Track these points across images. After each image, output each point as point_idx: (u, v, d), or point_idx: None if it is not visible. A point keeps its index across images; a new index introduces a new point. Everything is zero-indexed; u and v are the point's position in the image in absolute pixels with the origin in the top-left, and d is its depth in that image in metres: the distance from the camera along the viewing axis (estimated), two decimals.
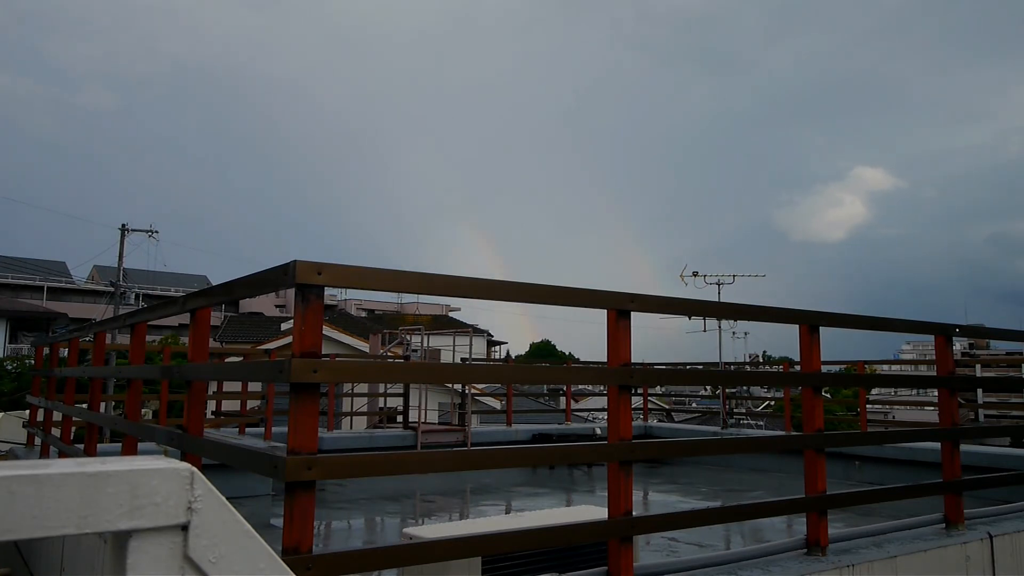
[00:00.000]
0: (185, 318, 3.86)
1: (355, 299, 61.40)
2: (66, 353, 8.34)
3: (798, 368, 4.46)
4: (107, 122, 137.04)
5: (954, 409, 5.03)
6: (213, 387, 12.39)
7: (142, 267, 38.91)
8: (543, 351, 69.44)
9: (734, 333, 20.01)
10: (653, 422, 15.30)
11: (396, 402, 14.37)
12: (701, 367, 15.24)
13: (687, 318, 16.25)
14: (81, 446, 7.54)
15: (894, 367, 34.24)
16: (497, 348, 50.74)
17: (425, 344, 16.29)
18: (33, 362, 16.86)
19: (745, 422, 17.17)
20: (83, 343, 8.30)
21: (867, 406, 13.45)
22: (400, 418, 13.61)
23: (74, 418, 7.51)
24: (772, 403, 19.71)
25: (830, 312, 4.40)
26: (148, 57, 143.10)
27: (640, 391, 15.46)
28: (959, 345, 52.93)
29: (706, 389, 32.39)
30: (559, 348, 70.85)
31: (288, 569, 1.60)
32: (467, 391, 14.03)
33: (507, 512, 9.34)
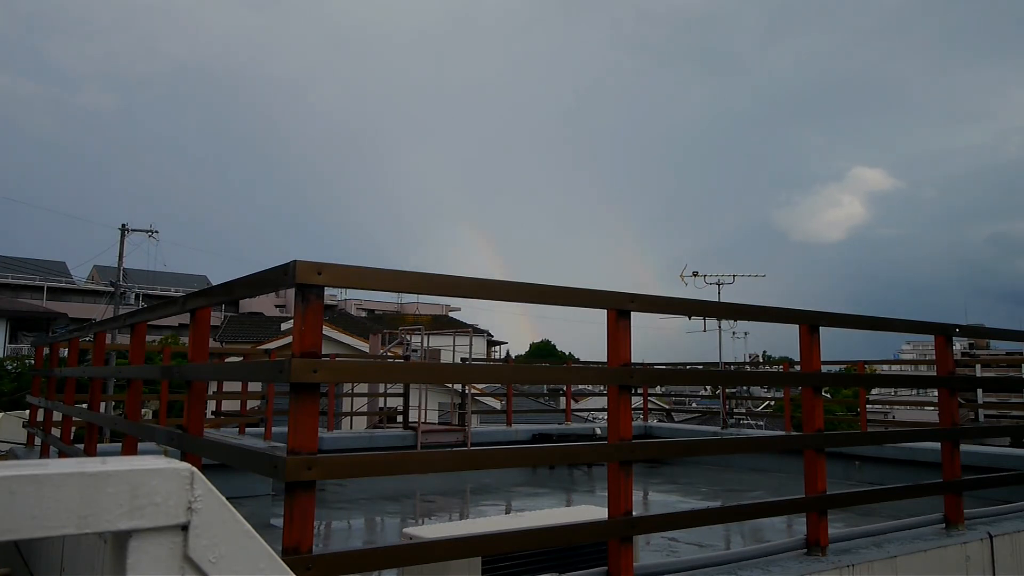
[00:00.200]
0: (185, 318, 3.86)
1: (355, 299, 61.41)
2: (66, 353, 8.34)
3: (798, 368, 4.46)
4: (107, 122, 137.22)
5: (954, 409, 5.03)
6: (213, 387, 12.38)
7: (142, 267, 38.93)
8: (543, 351, 69.43)
9: (734, 333, 20.03)
10: (653, 422, 15.30)
11: (396, 402, 14.36)
12: (701, 367, 15.24)
13: (687, 318, 16.25)
14: (81, 446, 7.54)
15: (894, 367, 34.24)
16: (497, 348, 50.75)
17: (425, 344, 16.29)
18: (33, 362, 16.87)
19: (745, 422, 17.16)
20: (83, 343, 8.30)
21: (867, 406, 13.45)
22: (400, 418, 13.61)
23: (74, 418, 7.51)
24: (772, 403, 19.71)
25: (830, 312, 4.40)
26: (148, 57, 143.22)
27: (640, 391, 15.45)
28: (959, 345, 52.93)
29: (706, 389, 32.39)
30: (559, 348, 70.86)
31: (288, 569, 1.60)
32: (467, 391, 14.03)
33: (507, 512, 9.34)
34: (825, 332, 4.31)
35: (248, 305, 56.41)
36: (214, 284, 14.57)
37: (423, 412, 13.18)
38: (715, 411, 15.38)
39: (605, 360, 3.48)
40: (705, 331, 17.43)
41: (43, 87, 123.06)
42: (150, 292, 47.15)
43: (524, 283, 3.21)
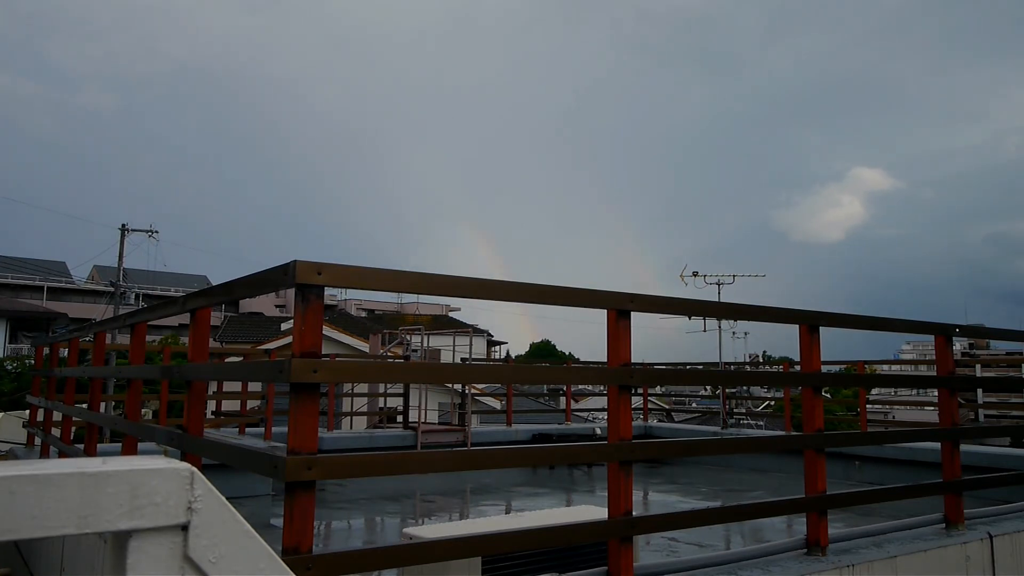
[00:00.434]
0: (185, 318, 3.86)
1: (355, 299, 61.41)
2: (66, 353, 8.34)
3: (798, 368, 4.46)
4: (107, 122, 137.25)
5: (954, 409, 5.03)
6: (213, 387, 12.38)
7: (142, 267, 38.92)
8: (543, 351, 69.44)
9: (734, 333, 20.03)
10: (653, 422, 15.30)
11: (396, 402, 14.36)
12: (701, 367, 15.24)
13: (687, 318, 16.25)
14: (81, 446, 7.54)
15: (894, 367, 34.24)
16: (497, 348, 50.75)
17: (425, 344, 16.29)
18: (33, 362, 16.86)
19: (745, 422, 17.16)
20: (83, 343, 8.30)
21: (867, 406, 13.45)
22: (400, 418, 13.61)
23: (74, 418, 7.51)
24: (772, 403, 19.71)
25: (830, 312, 4.40)
26: (148, 58, 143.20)
27: (640, 391, 15.45)
28: (959, 345, 52.93)
29: (706, 389, 32.40)
30: (559, 348, 70.87)
31: (288, 569, 1.60)
32: (467, 391, 14.03)
33: (507, 512, 9.34)
34: (825, 332, 4.32)
35: (248, 305, 56.40)
36: (214, 284, 14.57)
37: (423, 412, 13.18)
38: (715, 411, 15.38)
39: (605, 360, 3.48)
40: (705, 331, 17.45)
41: (43, 87, 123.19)
42: (150, 292, 47.15)
43: (524, 283, 3.21)
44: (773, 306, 4.31)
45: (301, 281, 2.57)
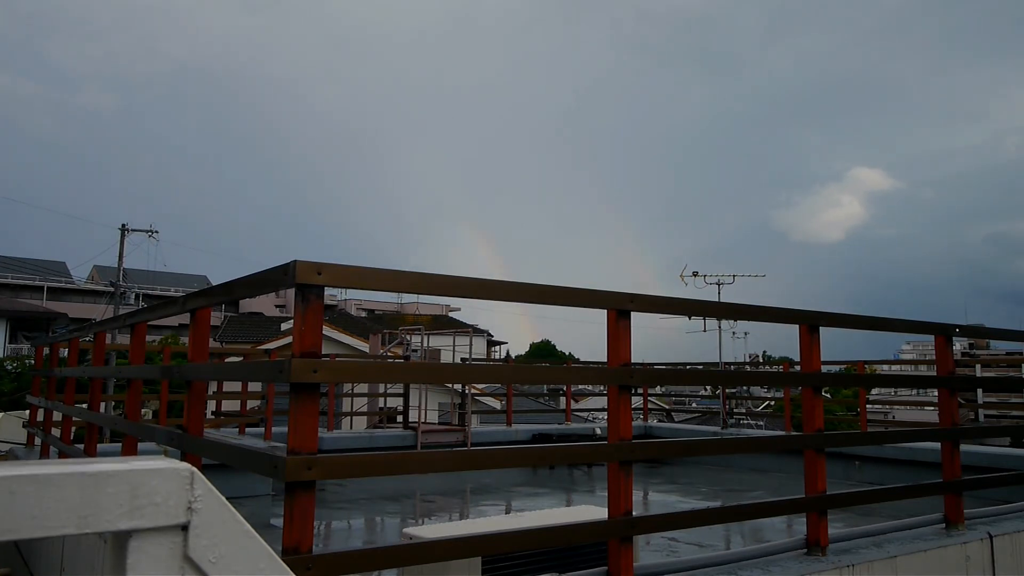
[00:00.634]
0: (185, 318, 3.86)
1: (355, 299, 61.40)
2: (66, 353, 8.34)
3: (798, 368, 4.46)
4: (107, 122, 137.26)
5: (954, 409, 5.03)
6: (213, 387, 12.38)
7: (142, 267, 38.92)
8: (543, 351, 69.44)
9: (734, 333, 20.04)
10: (653, 422, 15.30)
11: (396, 402, 14.36)
12: (701, 367, 15.24)
13: (687, 318, 16.25)
14: (81, 446, 7.54)
15: (894, 367, 34.23)
16: (497, 348, 50.74)
17: (425, 344, 16.29)
18: (33, 362, 16.86)
19: (745, 422, 17.16)
20: (83, 343, 8.30)
21: (867, 406, 13.45)
22: (400, 418, 13.61)
23: (74, 418, 7.51)
24: (772, 403, 19.71)
25: (830, 312, 4.40)
26: (148, 58, 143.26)
27: (640, 391, 15.45)
28: (959, 345, 52.92)
29: (706, 389, 32.39)
30: (559, 348, 70.87)
31: (288, 569, 1.60)
32: (467, 391, 14.03)
33: (507, 512, 9.34)
34: (825, 332, 4.32)
35: (248, 305, 56.40)
36: (214, 284, 14.57)
37: (423, 412, 13.17)
38: (715, 411, 15.38)
39: (605, 360, 3.48)
40: (705, 331, 17.45)
41: (43, 87, 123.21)
42: (150, 292, 47.15)
43: (524, 283, 3.21)
44: (773, 306, 4.31)
45: (301, 281, 2.57)
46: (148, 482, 1.38)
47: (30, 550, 6.24)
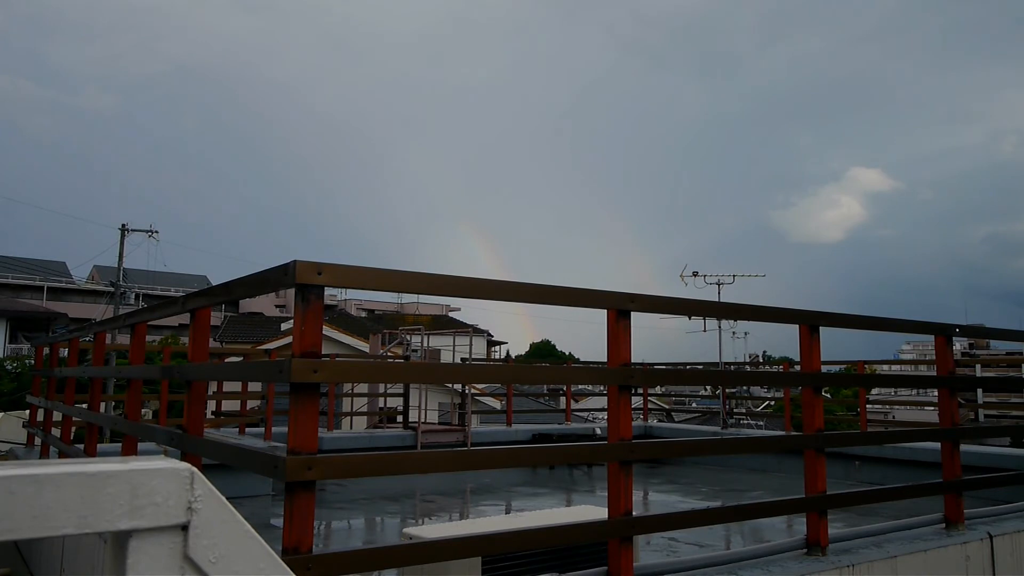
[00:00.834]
0: (185, 318, 3.86)
1: (355, 299, 61.42)
2: (66, 353, 8.34)
3: (798, 368, 4.46)
4: (107, 123, 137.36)
5: (954, 409, 5.03)
6: (213, 387, 12.38)
7: (142, 267, 38.89)
8: (543, 351, 69.46)
9: (734, 333, 20.05)
10: (653, 422, 15.29)
11: (396, 402, 14.36)
12: (701, 367, 15.23)
13: (687, 318, 16.26)
14: (81, 446, 7.54)
15: (894, 367, 34.23)
16: (497, 348, 50.72)
17: (425, 344, 16.29)
18: (33, 362, 16.86)
19: (745, 422, 17.16)
20: (83, 343, 8.29)
21: (867, 406, 13.45)
22: (400, 418, 13.61)
23: (74, 418, 7.51)
24: (772, 403, 19.70)
25: (830, 312, 4.40)
26: (147, 59, 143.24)
27: (640, 391, 15.45)
28: (959, 345, 52.92)
29: (706, 389, 32.37)
30: (559, 348, 70.88)
31: (288, 569, 1.60)
32: (467, 391, 14.03)
33: (507, 512, 9.34)
34: (825, 332, 4.32)
35: (248, 305, 56.40)
36: (214, 284, 14.56)
37: (423, 412, 13.17)
38: (715, 411, 15.38)
39: (605, 360, 3.48)
40: (705, 331, 17.45)
41: (43, 87, 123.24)
42: (150, 292, 47.17)
43: (523, 283, 3.21)
44: (773, 306, 4.31)
45: (301, 281, 2.57)
46: (148, 482, 1.38)
47: (30, 550, 6.24)
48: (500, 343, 52.61)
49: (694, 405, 28.40)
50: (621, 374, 3.40)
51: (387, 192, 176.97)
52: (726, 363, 16.58)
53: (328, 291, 3.02)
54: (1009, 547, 4.69)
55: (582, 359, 28.94)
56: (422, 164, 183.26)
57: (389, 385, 14.24)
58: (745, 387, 18.40)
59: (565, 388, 16.88)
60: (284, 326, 34.13)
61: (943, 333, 5.10)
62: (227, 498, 1.49)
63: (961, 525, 4.72)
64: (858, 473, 10.94)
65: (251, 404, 12.96)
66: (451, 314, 56.05)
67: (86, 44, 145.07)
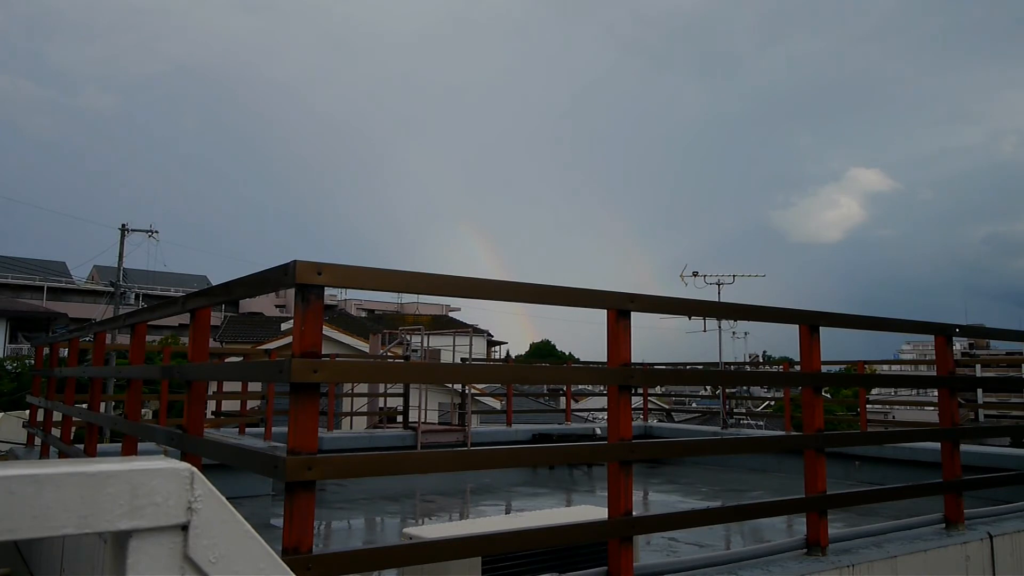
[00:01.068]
0: (185, 318, 3.86)
1: (355, 299, 61.42)
2: (66, 353, 8.34)
3: (798, 368, 4.46)
4: (107, 123, 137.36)
5: (954, 409, 5.03)
6: (213, 387, 12.38)
7: (142, 267, 38.91)
8: (543, 351, 69.45)
9: (734, 333, 20.05)
10: (653, 422, 15.29)
11: (396, 402, 14.36)
12: (701, 367, 15.23)
13: (687, 318, 16.25)
14: (81, 446, 7.54)
15: (894, 367, 34.22)
16: (497, 348, 50.71)
17: (425, 344, 16.29)
18: (33, 362, 16.86)
19: (745, 422, 17.16)
20: (83, 343, 8.29)
21: (867, 406, 13.45)
22: (400, 418, 13.61)
23: (74, 418, 7.51)
24: (772, 403, 19.70)
25: (830, 312, 4.40)
26: (147, 59, 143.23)
27: (640, 391, 15.45)
28: (959, 345, 52.90)
29: (706, 389, 32.37)
30: (559, 348, 70.87)
31: (288, 569, 1.60)
32: (467, 391, 14.02)
33: (507, 512, 9.34)
34: (825, 332, 4.32)
35: (248, 305, 56.40)
36: (214, 284, 14.57)
37: (423, 412, 13.17)
38: (715, 411, 15.38)
39: (605, 360, 3.48)
40: (705, 331, 17.45)
41: (43, 87, 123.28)
42: (150, 292, 47.17)
43: (523, 283, 3.21)
44: (773, 306, 4.31)
45: (301, 281, 2.56)
46: (148, 482, 1.38)
47: (30, 550, 6.24)
48: (500, 343, 52.61)
49: (694, 405, 28.40)
50: (621, 374, 3.40)
51: (387, 192, 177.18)
52: (726, 363, 16.58)
53: (328, 291, 3.02)
54: (1009, 547, 4.69)
55: (582, 359, 28.96)
56: (422, 164, 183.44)
57: (389, 385, 14.24)
58: (745, 387, 18.40)
59: (565, 388, 16.88)
60: (284, 326, 34.13)
61: (943, 333, 5.10)
62: (227, 498, 1.49)
63: (961, 525, 4.72)
64: (858, 473, 10.94)
65: (251, 404, 12.96)
66: (451, 314, 56.05)
67: (86, 44, 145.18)
